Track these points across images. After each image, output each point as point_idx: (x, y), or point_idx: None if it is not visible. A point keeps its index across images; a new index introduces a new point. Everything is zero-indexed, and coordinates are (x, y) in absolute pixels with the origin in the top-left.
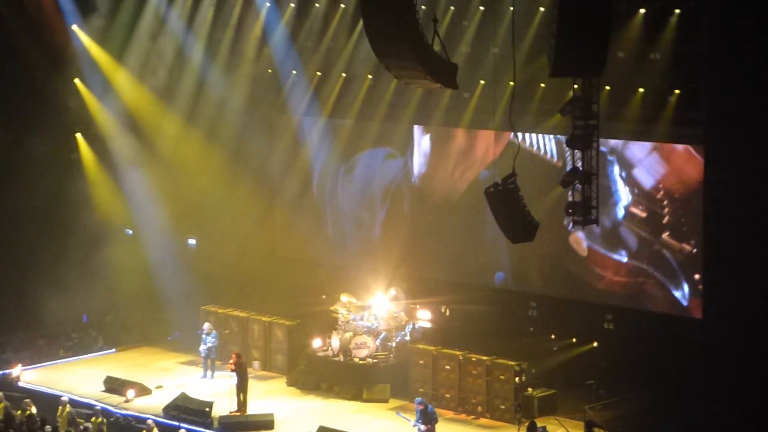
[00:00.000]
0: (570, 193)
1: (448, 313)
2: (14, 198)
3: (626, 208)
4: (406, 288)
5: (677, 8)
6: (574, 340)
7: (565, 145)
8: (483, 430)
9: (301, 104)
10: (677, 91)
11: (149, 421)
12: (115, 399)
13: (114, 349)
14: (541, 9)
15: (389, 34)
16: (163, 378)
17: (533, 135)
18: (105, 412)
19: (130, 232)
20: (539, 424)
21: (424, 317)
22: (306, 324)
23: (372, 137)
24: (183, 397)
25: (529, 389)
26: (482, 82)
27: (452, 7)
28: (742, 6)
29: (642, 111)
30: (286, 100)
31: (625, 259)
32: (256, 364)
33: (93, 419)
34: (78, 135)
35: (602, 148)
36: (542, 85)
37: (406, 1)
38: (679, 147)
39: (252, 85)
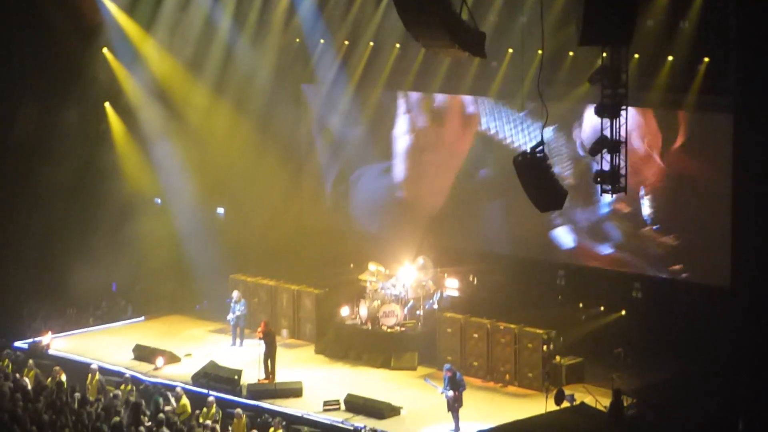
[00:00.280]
0: (598, 162)
1: (476, 282)
2: (44, 169)
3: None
4: (433, 257)
5: None
6: (602, 308)
7: (594, 113)
8: (511, 398)
9: (329, 74)
10: (707, 60)
11: (178, 389)
12: (144, 367)
13: (143, 318)
14: None
15: (417, 3)
16: (192, 346)
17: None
18: (134, 380)
19: (159, 201)
20: (567, 392)
21: (452, 286)
22: (334, 293)
23: (402, 108)
24: (212, 365)
25: (557, 357)
26: (510, 50)
27: None
28: None
29: (671, 80)
30: (314, 69)
31: None
32: (284, 332)
33: (122, 387)
34: (107, 105)
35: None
36: (571, 53)
37: None
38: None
39: (280, 55)
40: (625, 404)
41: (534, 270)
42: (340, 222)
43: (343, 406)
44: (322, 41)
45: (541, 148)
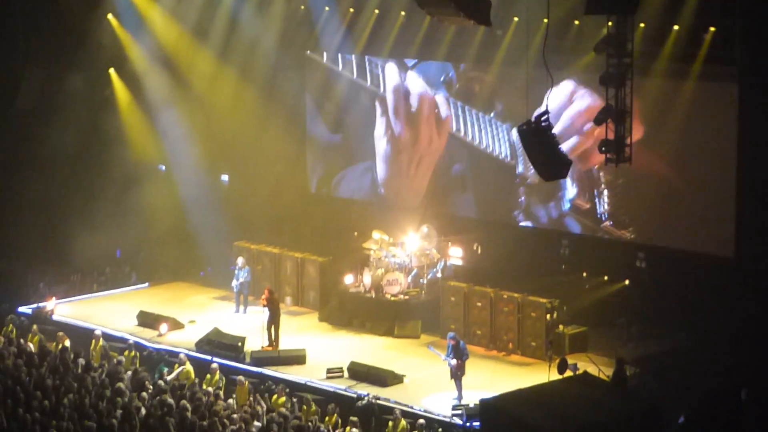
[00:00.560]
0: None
1: (479, 251)
2: (48, 134)
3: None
4: (437, 225)
5: None
6: (605, 278)
7: (598, 84)
8: (514, 366)
9: (334, 41)
10: (712, 29)
11: (182, 355)
12: (148, 333)
13: (147, 284)
14: None
15: None
16: (196, 313)
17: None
18: (138, 346)
19: (164, 168)
20: (570, 361)
21: (456, 254)
22: (338, 260)
23: (412, 76)
24: (215, 331)
25: (561, 326)
26: (516, 19)
27: None
28: None
29: (676, 49)
30: (319, 37)
31: None
32: (288, 299)
33: (126, 353)
34: (112, 72)
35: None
36: (576, 22)
37: None
38: None
39: (285, 22)
40: (628, 374)
41: (538, 239)
42: (345, 190)
43: (346, 374)
44: (327, 8)
45: (546, 117)
